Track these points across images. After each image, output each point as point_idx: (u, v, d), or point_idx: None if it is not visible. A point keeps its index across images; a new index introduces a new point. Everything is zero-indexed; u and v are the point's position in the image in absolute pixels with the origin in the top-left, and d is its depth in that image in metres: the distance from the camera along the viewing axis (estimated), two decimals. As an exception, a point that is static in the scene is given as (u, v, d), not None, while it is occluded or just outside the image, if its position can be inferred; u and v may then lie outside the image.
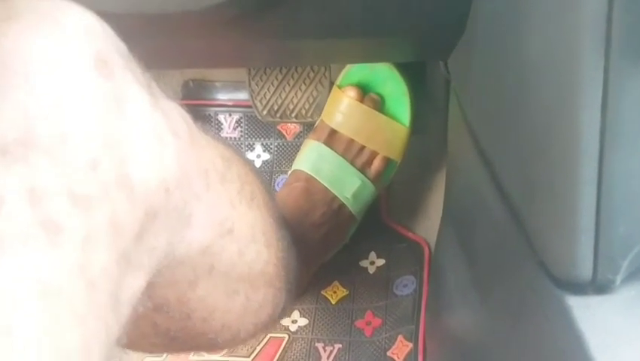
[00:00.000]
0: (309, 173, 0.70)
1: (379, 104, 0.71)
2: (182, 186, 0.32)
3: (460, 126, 0.49)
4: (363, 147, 0.71)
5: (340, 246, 0.75)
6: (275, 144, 0.84)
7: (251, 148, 0.84)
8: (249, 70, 0.76)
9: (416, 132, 0.77)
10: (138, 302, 0.30)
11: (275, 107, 0.78)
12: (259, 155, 0.84)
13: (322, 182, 0.70)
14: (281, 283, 0.46)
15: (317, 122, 0.74)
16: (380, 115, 0.70)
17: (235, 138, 0.85)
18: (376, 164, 0.71)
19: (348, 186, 0.70)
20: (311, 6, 0.50)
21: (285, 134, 0.85)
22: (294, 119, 0.79)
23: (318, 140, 0.71)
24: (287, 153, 0.85)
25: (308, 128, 0.84)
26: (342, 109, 0.71)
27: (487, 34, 0.41)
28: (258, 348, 0.71)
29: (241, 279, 0.41)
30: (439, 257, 0.63)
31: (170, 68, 0.79)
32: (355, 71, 0.73)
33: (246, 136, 0.85)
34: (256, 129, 0.85)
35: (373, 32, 0.52)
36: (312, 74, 0.76)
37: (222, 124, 0.85)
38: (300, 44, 0.59)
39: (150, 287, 0.33)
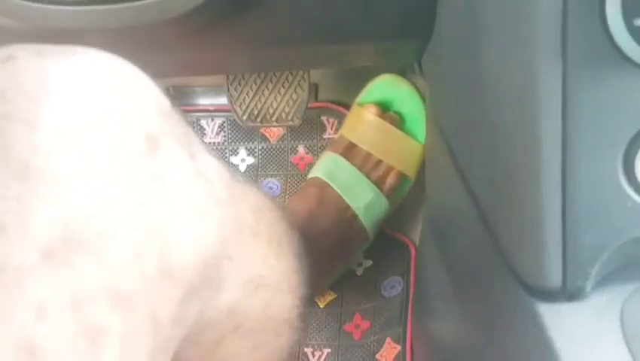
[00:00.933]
0: (323, 178, 0.70)
1: (398, 123, 0.73)
2: (219, 253, 0.30)
3: (434, 128, 0.49)
4: (379, 162, 0.71)
5: (348, 263, 0.74)
6: (260, 147, 0.84)
7: (235, 153, 0.84)
8: (227, 75, 0.75)
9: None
10: None
11: (255, 112, 0.77)
12: (243, 159, 0.84)
13: (336, 188, 0.70)
14: (301, 320, 0.44)
15: (337, 137, 0.76)
16: (398, 132, 0.72)
17: (218, 142, 0.84)
18: (391, 179, 0.72)
19: (361, 196, 0.70)
20: (284, 14, 0.49)
21: (269, 137, 0.84)
22: (275, 123, 0.78)
23: (335, 152, 0.72)
24: (271, 156, 0.84)
25: (291, 130, 0.83)
26: (362, 124, 0.72)
27: (451, 38, 0.40)
28: (247, 355, 0.70)
29: (266, 331, 0.40)
30: (421, 261, 0.63)
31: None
32: (375, 90, 0.75)
33: (230, 141, 0.84)
34: (239, 133, 0.84)
35: (347, 37, 0.52)
36: (290, 77, 0.75)
37: (205, 129, 0.84)
38: (275, 51, 0.58)
39: (174, 354, 0.32)
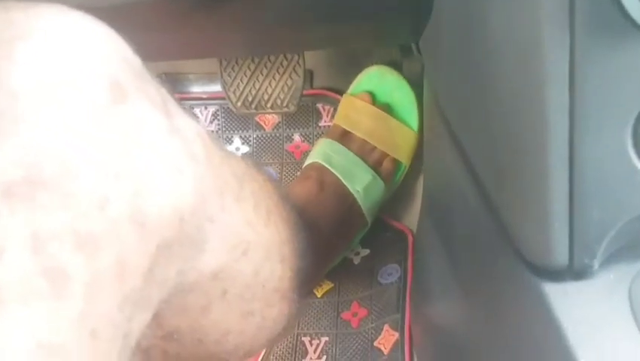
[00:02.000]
0: (321, 162, 0.70)
1: (389, 112, 0.73)
2: (197, 211, 0.30)
3: (433, 110, 0.48)
4: (374, 148, 0.72)
5: (346, 249, 0.73)
6: (254, 135, 0.83)
7: (230, 141, 0.83)
8: (221, 61, 0.74)
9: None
10: (142, 337, 0.29)
11: (250, 98, 0.76)
12: (238, 148, 0.82)
13: (335, 172, 0.70)
14: (295, 293, 0.44)
15: (331, 126, 0.76)
16: (391, 118, 0.72)
17: (212, 131, 0.83)
18: (387, 164, 0.72)
19: (359, 179, 0.70)
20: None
21: (264, 125, 0.83)
22: (270, 110, 0.77)
23: (330, 138, 0.72)
24: (266, 144, 0.83)
25: (286, 118, 0.82)
26: (355, 112, 0.73)
27: (453, 14, 0.39)
28: (243, 345, 0.69)
29: (255, 299, 0.40)
30: (420, 246, 0.62)
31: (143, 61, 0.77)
32: (365, 81, 0.75)
33: (224, 129, 0.83)
34: (233, 122, 0.83)
35: (345, 17, 0.51)
36: (285, 63, 0.74)
37: (198, 118, 0.83)
38: (269, 32, 0.57)
39: (160, 317, 0.32)
